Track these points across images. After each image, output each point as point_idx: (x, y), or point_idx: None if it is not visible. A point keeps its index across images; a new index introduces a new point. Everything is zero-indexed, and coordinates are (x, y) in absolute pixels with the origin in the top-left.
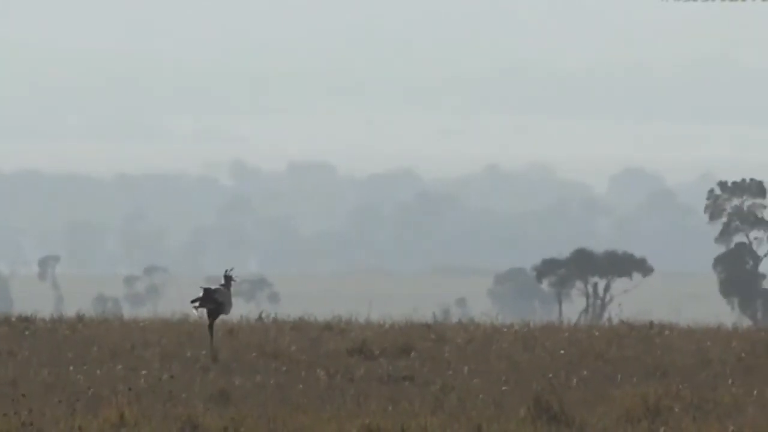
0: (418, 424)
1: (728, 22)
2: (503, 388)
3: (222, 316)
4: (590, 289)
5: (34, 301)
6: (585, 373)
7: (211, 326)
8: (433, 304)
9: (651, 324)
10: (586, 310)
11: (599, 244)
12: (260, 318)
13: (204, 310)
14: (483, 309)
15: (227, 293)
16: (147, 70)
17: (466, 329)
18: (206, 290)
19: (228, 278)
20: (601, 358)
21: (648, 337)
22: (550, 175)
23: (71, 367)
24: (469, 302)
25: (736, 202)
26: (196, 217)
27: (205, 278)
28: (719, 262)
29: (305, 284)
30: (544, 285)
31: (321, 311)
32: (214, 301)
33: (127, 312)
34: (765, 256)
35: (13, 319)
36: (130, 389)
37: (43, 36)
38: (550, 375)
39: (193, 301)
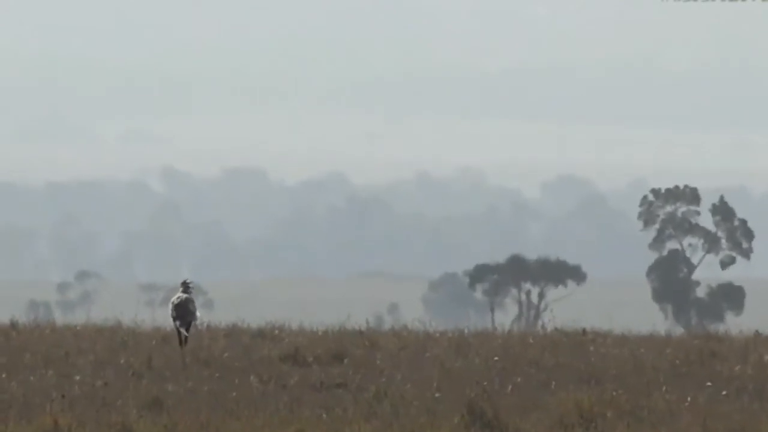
0: (352, 431)
1: (658, 25)
2: (436, 395)
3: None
4: (524, 296)
5: None
6: (519, 380)
7: (182, 337)
8: (366, 310)
9: (584, 331)
10: (519, 318)
11: (531, 250)
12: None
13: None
14: (415, 315)
15: (194, 301)
16: (77, 74)
17: (399, 336)
18: (179, 305)
19: (186, 285)
20: (535, 365)
21: (582, 344)
22: (480, 181)
23: (4, 374)
24: (402, 308)
25: (669, 208)
26: (127, 222)
27: (137, 285)
28: (653, 269)
29: (237, 290)
30: (478, 291)
31: (253, 317)
32: (191, 313)
33: (60, 318)
34: (699, 263)
35: None
36: (63, 396)
37: None
38: (484, 382)
39: (175, 320)
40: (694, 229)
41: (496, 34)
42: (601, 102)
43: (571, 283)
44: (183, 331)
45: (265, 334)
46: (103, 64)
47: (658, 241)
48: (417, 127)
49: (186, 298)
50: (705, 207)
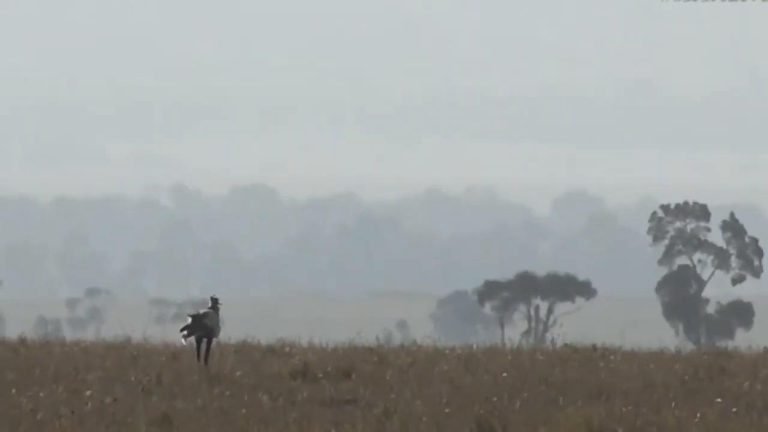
0: None
1: (667, 45)
2: (446, 410)
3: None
4: (533, 312)
5: None
6: (528, 396)
7: (200, 352)
8: (375, 328)
9: (594, 347)
10: (528, 333)
11: (541, 267)
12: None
13: (192, 338)
14: (424, 333)
15: (215, 316)
16: (86, 93)
17: (408, 352)
18: (194, 317)
19: (215, 301)
20: (545, 381)
21: (591, 360)
22: (490, 199)
23: (14, 390)
24: (411, 326)
25: (679, 224)
26: (136, 240)
27: (147, 301)
28: (662, 285)
29: (247, 308)
30: (487, 308)
31: (263, 335)
32: (204, 327)
33: (69, 335)
34: (708, 279)
35: None
36: (73, 412)
37: None
38: (494, 398)
39: (182, 330)
40: (703, 245)
41: (506, 56)
42: (610, 120)
43: (579, 299)
44: (184, 342)
45: (275, 351)
46: (114, 84)
47: (667, 257)
48: (427, 146)
49: (204, 313)
50: (715, 224)
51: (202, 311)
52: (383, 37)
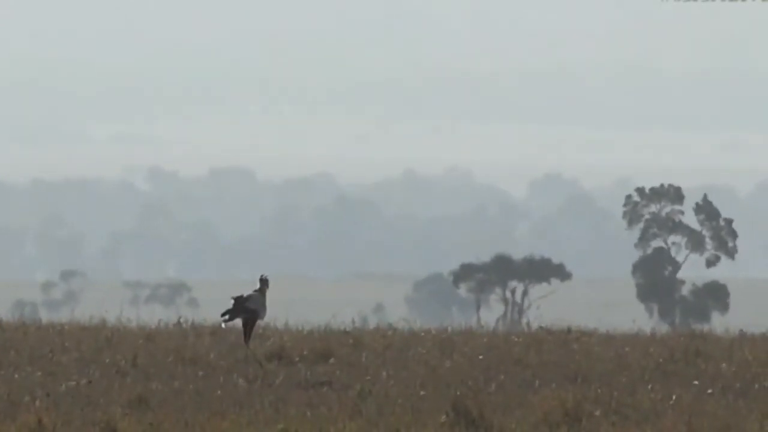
0: (337, 429)
1: (650, 29)
2: (421, 393)
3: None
4: (509, 295)
5: None
6: (503, 378)
7: (247, 335)
8: (351, 310)
9: (569, 329)
10: (504, 316)
11: (518, 249)
12: (179, 323)
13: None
14: (401, 315)
15: (260, 298)
16: (64, 74)
17: (384, 335)
18: (237, 299)
19: (264, 281)
20: (520, 363)
21: (566, 342)
22: (468, 180)
23: None
24: (387, 308)
25: (653, 208)
26: (114, 221)
27: (122, 283)
28: (637, 268)
29: (224, 289)
30: (462, 290)
31: None
32: (246, 309)
33: (45, 317)
34: (683, 262)
35: None
36: (48, 395)
37: None
38: (469, 381)
39: (223, 314)
40: (677, 227)
41: (485, 36)
42: (588, 102)
43: (555, 282)
44: (224, 326)
45: None
46: (92, 66)
47: (642, 240)
48: (405, 127)
49: (248, 296)
50: (690, 206)
51: (245, 294)
52: (361, 17)
